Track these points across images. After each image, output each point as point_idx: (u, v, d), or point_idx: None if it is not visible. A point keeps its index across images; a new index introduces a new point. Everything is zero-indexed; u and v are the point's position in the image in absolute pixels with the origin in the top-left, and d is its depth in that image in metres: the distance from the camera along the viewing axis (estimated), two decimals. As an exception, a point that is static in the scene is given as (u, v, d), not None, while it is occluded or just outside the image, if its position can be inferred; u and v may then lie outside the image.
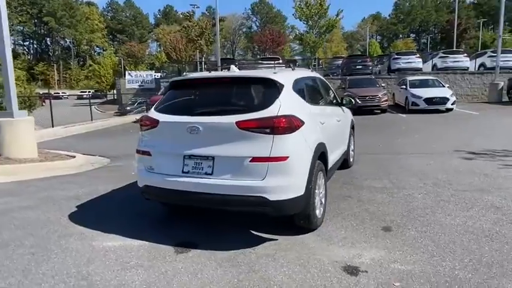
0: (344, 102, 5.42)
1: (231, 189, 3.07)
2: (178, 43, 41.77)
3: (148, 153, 3.49)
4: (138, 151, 3.65)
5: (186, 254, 3.23)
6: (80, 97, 56.66)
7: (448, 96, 14.20)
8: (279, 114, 3.10)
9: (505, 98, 16.97)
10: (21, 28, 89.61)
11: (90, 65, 67.49)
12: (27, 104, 19.51)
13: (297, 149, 3.12)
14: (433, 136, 9.42)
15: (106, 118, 18.88)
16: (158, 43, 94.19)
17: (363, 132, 9.11)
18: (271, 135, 3.03)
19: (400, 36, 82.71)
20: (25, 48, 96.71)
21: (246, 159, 3.04)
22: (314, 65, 33.54)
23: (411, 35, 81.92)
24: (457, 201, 4.36)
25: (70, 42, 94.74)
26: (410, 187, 5.01)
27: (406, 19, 79.87)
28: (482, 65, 20.53)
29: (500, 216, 3.86)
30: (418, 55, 21.31)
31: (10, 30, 7.63)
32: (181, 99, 3.72)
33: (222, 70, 5.95)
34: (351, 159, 6.29)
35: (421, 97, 14.31)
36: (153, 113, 3.59)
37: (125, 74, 45.19)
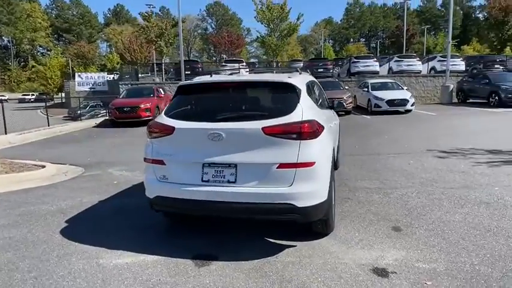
0: (335, 105, 5.54)
1: (257, 197, 2.99)
2: (133, 44, 40.24)
3: (161, 162, 3.29)
4: (147, 160, 3.43)
5: (208, 267, 3.09)
6: (21, 100, 52.33)
7: (407, 98, 15.09)
8: (303, 119, 3.08)
9: (455, 99, 18.43)
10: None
11: (33, 66, 62.57)
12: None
13: (321, 154, 3.13)
14: (402, 136, 9.94)
15: (63, 123, 17.63)
16: (109, 43, 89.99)
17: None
18: (298, 141, 3.00)
19: (351, 40, 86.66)
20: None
21: (273, 166, 2.98)
22: (273, 67, 34.08)
23: (361, 39, 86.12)
24: (450, 199, 4.62)
25: (8, 41, 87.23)
26: (401, 187, 5.23)
27: (356, 24, 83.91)
28: (433, 68, 22.15)
29: (492, 211, 4.15)
30: (375, 59, 22.48)
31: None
32: (196, 104, 3.56)
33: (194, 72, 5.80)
34: (338, 161, 6.44)
35: (383, 99, 15.07)
36: (164, 119, 3.38)
37: (74, 76, 42.58)
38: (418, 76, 20.54)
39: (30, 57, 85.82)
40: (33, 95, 61.28)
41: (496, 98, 15.42)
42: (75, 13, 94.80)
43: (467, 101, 17.82)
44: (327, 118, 4.30)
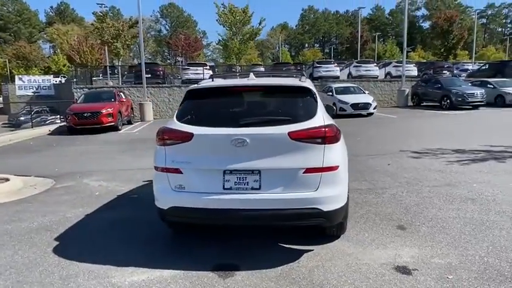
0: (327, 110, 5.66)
1: (284, 203, 2.96)
2: (82, 45, 38.14)
3: (177, 171, 3.13)
4: (160, 169, 3.24)
5: (233, 277, 3.00)
6: None
7: (370, 102, 15.86)
8: (325, 123, 3.11)
9: (411, 103, 19.71)
10: None
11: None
12: None
13: (342, 158, 3.18)
14: (373, 138, 10.41)
15: (12, 131, 16.22)
16: (52, 44, 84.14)
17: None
18: (323, 145, 3.02)
19: (306, 45, 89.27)
20: None
21: (299, 171, 2.97)
22: (234, 71, 34.13)
23: (316, 45, 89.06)
24: (438, 197, 4.90)
25: None
26: (390, 187, 5.46)
27: (311, 30, 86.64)
28: (388, 73, 23.53)
29: (479, 206, 4.48)
30: (336, 64, 23.39)
31: None
32: (213, 109, 3.44)
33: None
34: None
35: (348, 103, 15.69)
36: (178, 125, 3.22)
37: (13, 79, 39.24)
38: (376, 81, 21.69)
39: (-43, 57, 77.74)
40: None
41: (448, 101, 16.73)
42: (11, 10, 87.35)
43: (422, 104, 19.14)
44: None
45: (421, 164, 6.83)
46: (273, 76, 4.81)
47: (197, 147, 3.10)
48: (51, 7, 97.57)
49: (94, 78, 28.49)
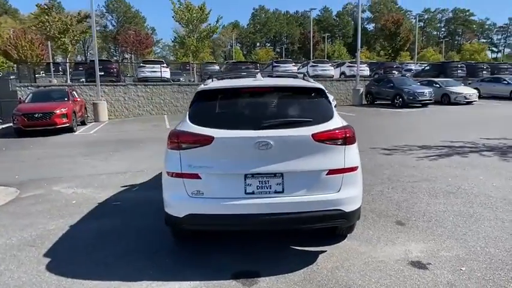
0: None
1: (307, 205, 2.94)
2: (20, 39, 35.02)
3: (195, 176, 2.97)
4: (174, 174, 3.05)
5: (257, 284, 2.93)
6: None
7: (331, 100, 16.31)
8: (343, 124, 3.15)
9: (365, 101, 20.74)
10: None
11: None
12: None
13: (359, 158, 3.23)
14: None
15: None
16: (-22, 37, 75.90)
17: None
18: (343, 146, 3.05)
19: (258, 44, 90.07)
20: None
21: (323, 173, 2.98)
22: (188, 69, 33.33)
23: (267, 44, 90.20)
24: (422, 192, 5.20)
25: None
26: (374, 184, 5.68)
27: (262, 29, 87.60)
28: (343, 73, 24.53)
29: (461, 199, 4.83)
30: (294, 63, 23.90)
31: None
32: (229, 111, 3.31)
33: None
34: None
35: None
36: (195, 128, 3.05)
37: None
38: (332, 80, 22.51)
39: None
40: None
41: (400, 99, 17.85)
42: None
43: (375, 102, 20.22)
44: None
45: (394, 161, 7.20)
46: (275, 77, 4.78)
47: (217, 151, 2.97)
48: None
49: (36, 75, 26.23)
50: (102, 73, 20.74)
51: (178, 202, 3.06)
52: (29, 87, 18.39)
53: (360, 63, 22.51)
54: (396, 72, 24.61)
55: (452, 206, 4.60)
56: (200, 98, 3.33)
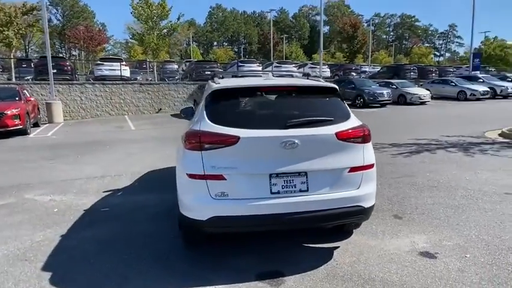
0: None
1: (331, 203, 3.00)
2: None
3: (219, 177, 2.90)
4: (197, 176, 2.95)
5: (285, 284, 2.94)
6: None
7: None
8: (361, 123, 3.26)
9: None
10: None
11: None
12: None
13: (374, 156, 3.34)
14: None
15: None
16: None
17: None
18: (362, 144, 3.16)
19: (215, 44, 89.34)
20: None
21: (345, 170, 3.05)
22: (144, 68, 32.19)
23: (225, 43, 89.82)
24: (407, 187, 5.50)
25: None
26: (361, 180, 5.91)
27: (220, 28, 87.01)
28: (306, 74, 25.06)
29: (444, 192, 5.18)
30: (258, 63, 24.08)
31: None
32: (252, 110, 3.28)
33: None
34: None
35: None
36: (218, 128, 2.97)
37: None
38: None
39: None
40: None
41: (361, 100, 18.70)
42: None
43: (337, 102, 20.92)
44: None
45: (372, 158, 7.52)
46: (279, 76, 4.80)
47: (243, 151, 2.92)
48: None
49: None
50: (55, 71, 19.38)
51: (201, 205, 2.97)
52: (-29, 86, 16.70)
53: (324, 64, 23.21)
54: (355, 74, 25.77)
55: (439, 198, 4.92)
56: (217, 97, 3.25)
